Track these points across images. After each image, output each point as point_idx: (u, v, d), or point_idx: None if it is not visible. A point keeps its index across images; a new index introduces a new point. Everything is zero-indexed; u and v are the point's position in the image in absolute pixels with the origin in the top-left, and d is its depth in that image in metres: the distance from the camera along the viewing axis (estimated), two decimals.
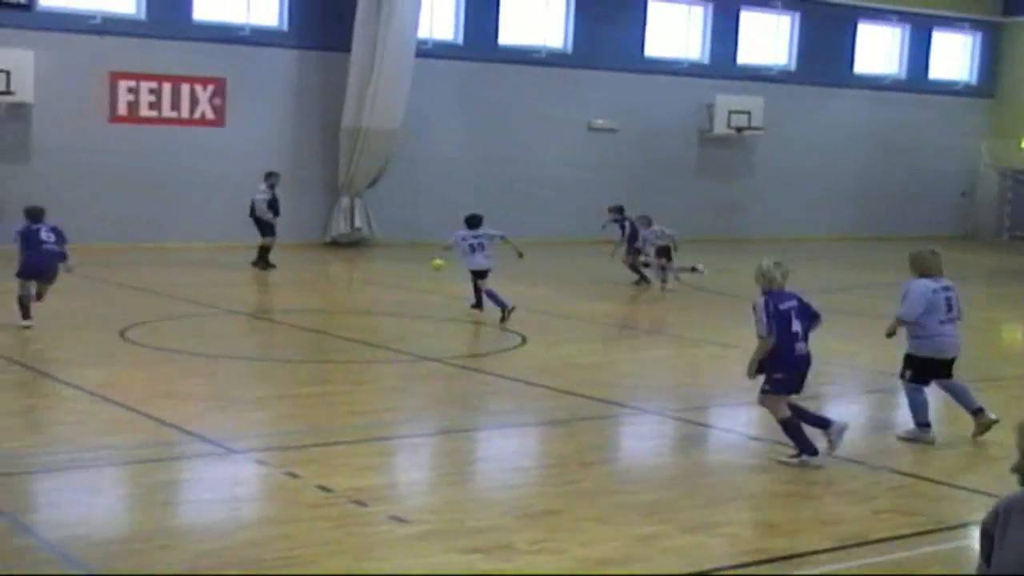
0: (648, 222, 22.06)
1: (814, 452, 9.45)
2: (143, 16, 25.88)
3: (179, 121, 26.39)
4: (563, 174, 30.27)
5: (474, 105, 29.44)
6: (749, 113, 32.58)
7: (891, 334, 10.69)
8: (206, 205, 26.28)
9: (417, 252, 26.28)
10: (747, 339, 16.27)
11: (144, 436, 9.78)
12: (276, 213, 23.07)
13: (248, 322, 17.02)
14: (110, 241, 24.59)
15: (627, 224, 22.54)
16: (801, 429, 9.54)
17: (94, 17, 25.22)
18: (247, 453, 9.35)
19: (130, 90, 25.89)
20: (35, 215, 14.74)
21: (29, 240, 14.47)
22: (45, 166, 24.74)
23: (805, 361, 9.62)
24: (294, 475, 8.68)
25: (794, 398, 9.74)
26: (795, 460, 9.44)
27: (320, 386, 12.07)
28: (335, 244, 27.71)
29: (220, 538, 7.38)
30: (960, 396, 10.63)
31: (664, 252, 21.57)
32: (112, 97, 25.70)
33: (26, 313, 14.45)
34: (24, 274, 14.52)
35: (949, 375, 10.56)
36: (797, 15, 34.00)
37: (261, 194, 23.08)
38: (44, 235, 14.49)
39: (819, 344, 15.58)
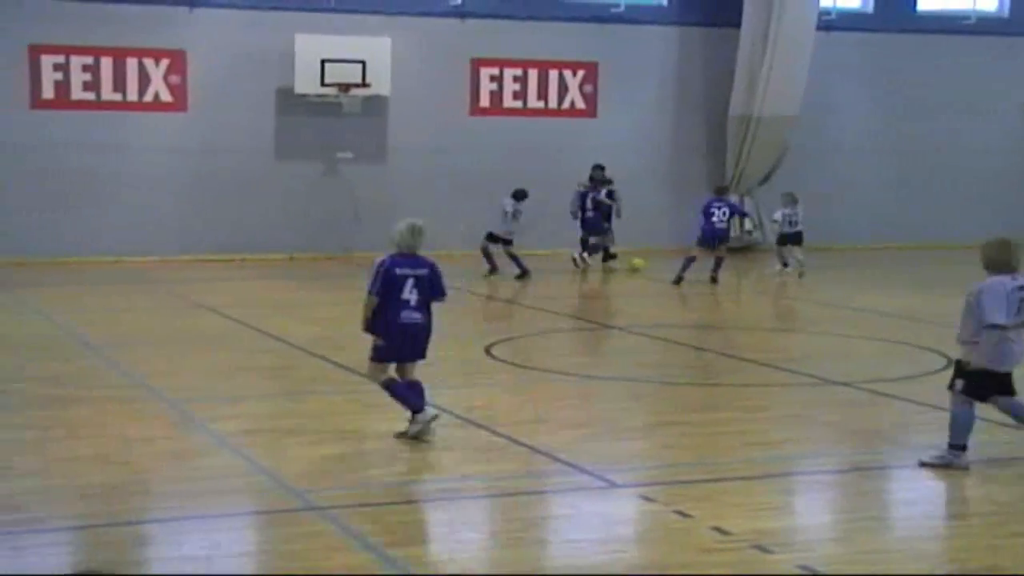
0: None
1: (418, 410, 10.64)
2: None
3: (546, 112, 27.14)
4: (996, 163, 29.09)
5: (887, 85, 28.77)
6: None
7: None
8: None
9: (822, 258, 25.93)
10: None
11: (516, 465, 10.08)
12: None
13: (622, 338, 17.24)
14: (455, 247, 25.46)
15: None
16: (400, 393, 10.75)
17: None
18: (630, 487, 9.47)
19: (493, 78, 26.82)
20: None
21: None
22: (402, 165, 25.98)
23: (412, 331, 10.65)
24: (685, 514, 8.72)
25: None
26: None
27: (710, 412, 12.07)
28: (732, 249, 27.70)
29: None
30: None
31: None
32: (474, 87, 26.68)
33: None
34: None
35: (1012, 391, 10.02)
36: None
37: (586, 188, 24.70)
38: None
39: None
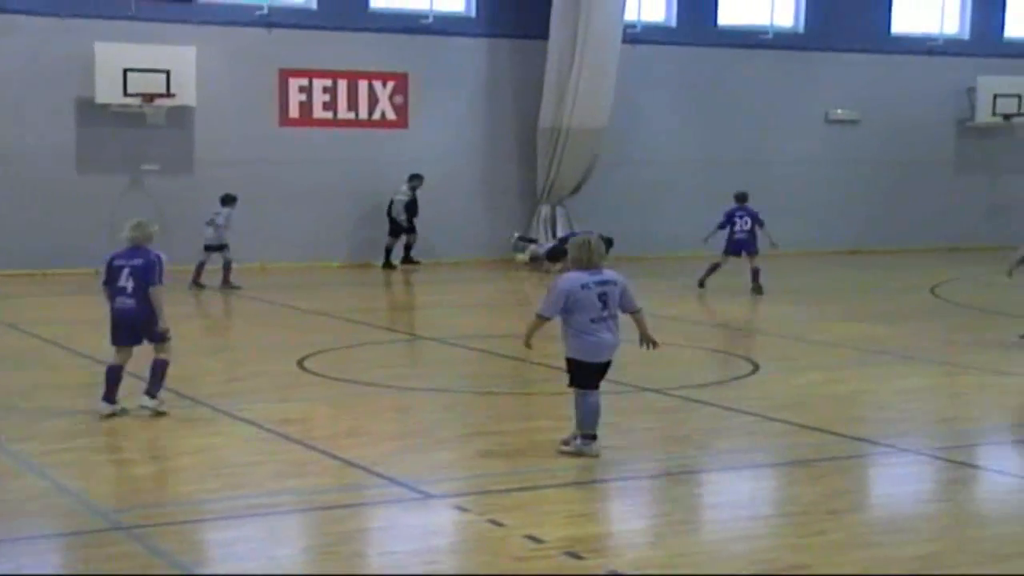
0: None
1: (109, 399, 11.90)
2: (314, 5, 26.65)
3: (357, 123, 27.08)
4: (798, 174, 29.97)
5: (691, 97, 29.41)
6: (1020, 97, 31.67)
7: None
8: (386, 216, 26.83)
9: (629, 267, 26.36)
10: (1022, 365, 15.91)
11: (329, 479, 10.05)
12: (414, 214, 26.23)
13: (437, 349, 17.30)
14: (280, 260, 25.42)
15: None
16: (113, 380, 11.94)
17: (261, 7, 26.05)
18: (445, 498, 9.51)
19: (302, 89, 26.67)
20: None
21: None
22: (209, 177, 25.63)
23: (125, 315, 11.91)
24: (498, 523, 8.79)
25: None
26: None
27: (524, 422, 12.19)
28: (534, 259, 27.97)
29: None
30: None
31: None
32: (282, 98, 26.50)
33: None
34: None
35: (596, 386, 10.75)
36: None
37: (401, 195, 26.05)
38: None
39: None
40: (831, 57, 30.42)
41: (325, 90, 26.84)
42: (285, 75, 26.45)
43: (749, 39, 29.87)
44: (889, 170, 30.99)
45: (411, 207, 26.48)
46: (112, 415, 11.89)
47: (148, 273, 11.87)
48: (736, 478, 10.49)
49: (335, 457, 10.59)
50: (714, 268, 22.65)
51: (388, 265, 26.61)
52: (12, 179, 24.60)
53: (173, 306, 21.04)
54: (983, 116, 31.65)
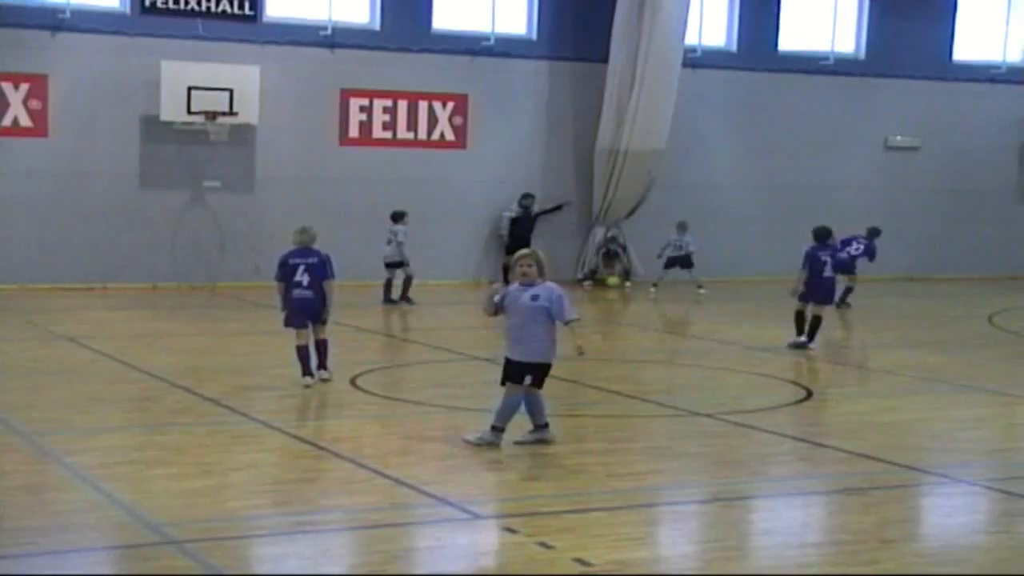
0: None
1: (308, 373, 14.50)
2: (377, 26, 26.76)
3: (416, 143, 27.17)
4: (856, 200, 29.75)
5: (750, 122, 29.29)
6: None
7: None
8: (446, 236, 26.88)
9: (684, 291, 26.34)
10: None
11: (379, 497, 10.02)
12: (530, 231, 26.86)
13: (493, 369, 17.24)
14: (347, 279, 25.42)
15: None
16: (305, 358, 14.51)
17: (324, 28, 26.20)
18: (493, 519, 9.47)
19: (362, 109, 26.78)
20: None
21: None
22: (269, 195, 25.78)
23: (305, 304, 14.47)
24: (547, 545, 8.72)
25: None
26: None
27: (574, 444, 12.12)
28: (588, 280, 27.94)
29: None
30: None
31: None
32: (343, 117, 26.62)
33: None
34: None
35: (521, 381, 11.62)
36: None
37: (510, 212, 27.05)
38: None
39: None
40: (891, 83, 30.23)
41: (385, 110, 26.95)
42: (346, 95, 26.57)
43: (809, 65, 29.73)
44: (948, 197, 30.74)
45: (523, 223, 26.99)
46: (309, 387, 14.42)
47: (323, 269, 14.48)
48: (787, 505, 10.38)
49: (385, 476, 10.57)
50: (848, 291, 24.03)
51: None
52: (77, 195, 24.85)
53: (231, 323, 21.20)
54: None
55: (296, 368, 14.65)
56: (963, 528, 9.90)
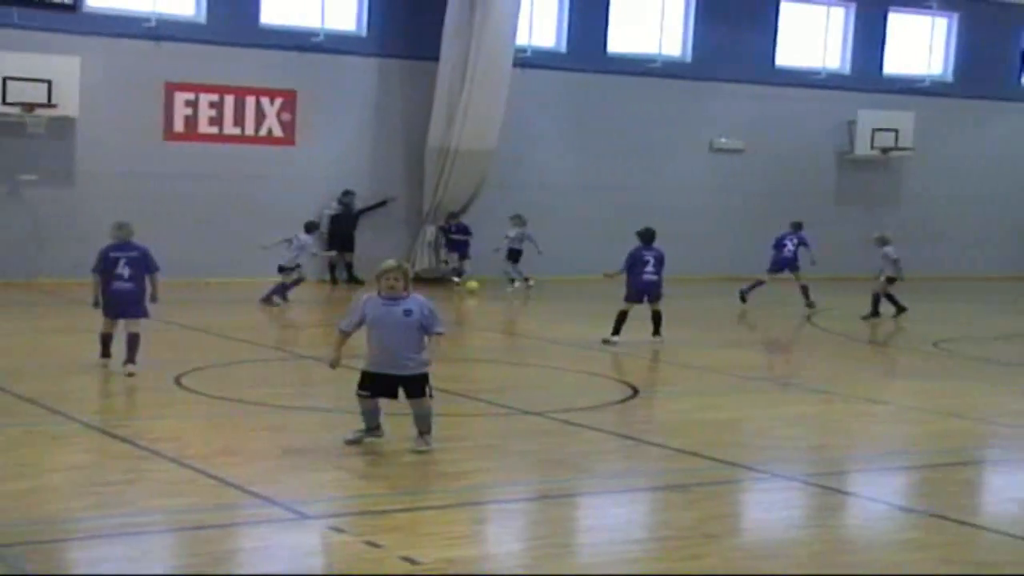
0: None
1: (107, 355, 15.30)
2: (203, 19, 26.38)
3: (243, 139, 26.84)
4: (681, 201, 30.22)
5: (581, 122, 29.58)
6: (897, 131, 32.36)
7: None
8: (272, 234, 26.57)
9: (517, 289, 26.51)
10: (899, 394, 16.17)
11: (204, 498, 9.88)
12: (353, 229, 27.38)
13: (320, 369, 17.13)
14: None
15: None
16: (107, 343, 15.27)
17: (148, 20, 25.73)
18: (321, 518, 9.41)
19: (188, 103, 26.38)
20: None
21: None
22: (90, 190, 25.23)
23: (124, 295, 14.99)
24: (375, 544, 8.70)
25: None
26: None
27: (404, 443, 12.10)
28: (418, 279, 27.81)
29: None
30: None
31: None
32: (168, 111, 26.18)
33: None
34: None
35: (394, 394, 11.64)
36: (955, 17, 33.72)
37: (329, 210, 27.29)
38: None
39: (983, 399, 15.37)
40: (717, 87, 30.80)
41: (211, 105, 26.57)
42: (171, 89, 26.14)
43: (638, 67, 30.13)
44: (771, 199, 31.39)
45: (344, 221, 27.30)
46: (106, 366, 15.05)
47: (145, 262, 15.06)
48: (613, 502, 10.51)
49: (209, 476, 10.43)
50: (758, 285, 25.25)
51: (333, 281, 27.65)
52: None
53: (49, 320, 20.69)
54: (862, 149, 32.25)
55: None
56: (782, 523, 10.14)
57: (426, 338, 11.54)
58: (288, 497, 9.83)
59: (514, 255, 27.03)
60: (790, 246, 25.28)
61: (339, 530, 9.13)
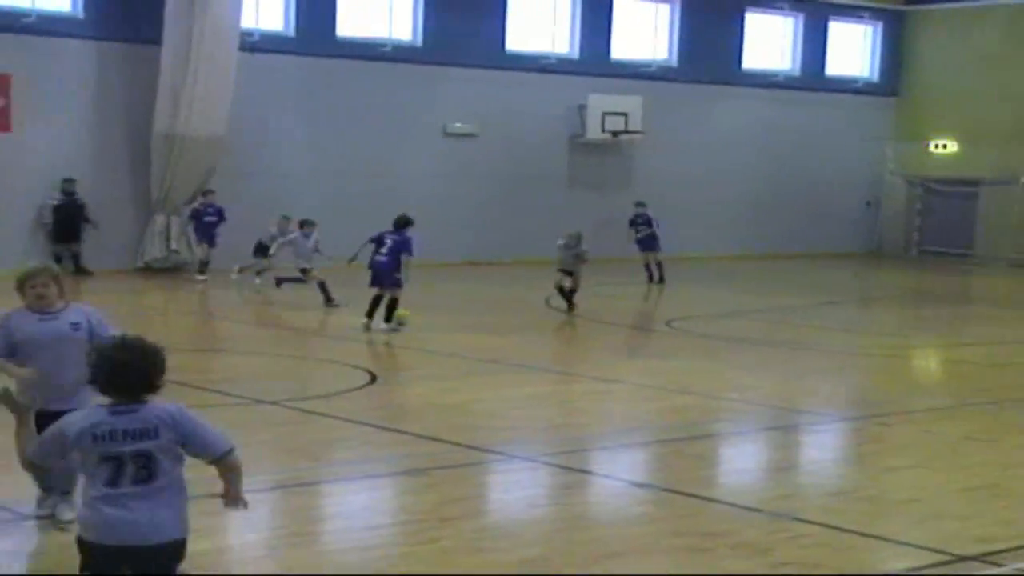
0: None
1: None
2: None
3: None
4: (415, 186, 30.30)
5: (313, 108, 29.39)
6: (626, 115, 33.12)
7: None
8: None
9: (247, 278, 26.13)
10: (634, 373, 16.63)
11: None
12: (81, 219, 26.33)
13: None
14: None
15: None
16: None
17: None
18: (43, 520, 9.16)
19: None
20: None
21: None
22: None
23: None
24: None
25: None
26: None
27: None
28: (148, 270, 27.33)
29: None
30: None
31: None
32: None
33: None
34: None
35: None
36: (677, 4, 34.77)
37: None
38: None
39: (712, 376, 15.94)
40: (448, 72, 30.97)
41: None
42: None
43: (368, 51, 30.09)
44: (505, 184, 31.81)
45: (68, 210, 26.27)
46: None
47: None
48: (351, 489, 10.55)
49: None
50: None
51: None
52: None
53: None
54: (593, 133, 32.93)
55: None
56: (521, 502, 10.33)
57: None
58: (5, 496, 9.53)
59: (263, 249, 25.35)
60: (639, 228, 28.11)
61: (63, 530, 8.90)
